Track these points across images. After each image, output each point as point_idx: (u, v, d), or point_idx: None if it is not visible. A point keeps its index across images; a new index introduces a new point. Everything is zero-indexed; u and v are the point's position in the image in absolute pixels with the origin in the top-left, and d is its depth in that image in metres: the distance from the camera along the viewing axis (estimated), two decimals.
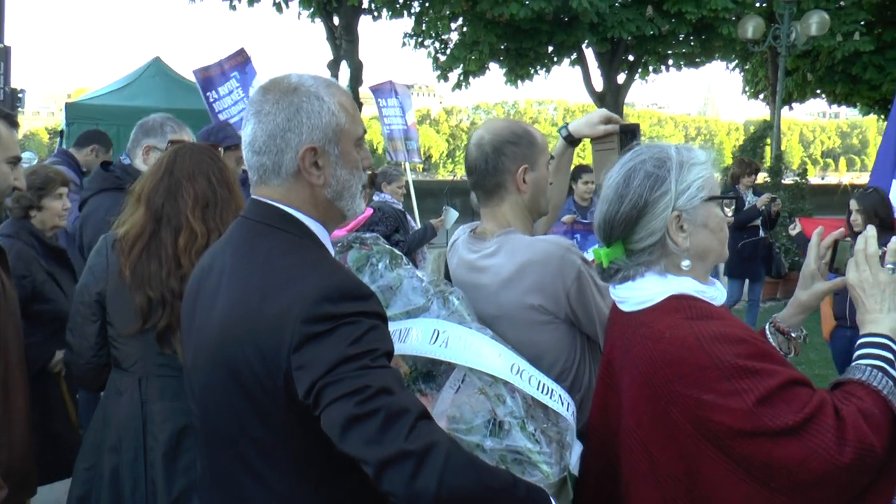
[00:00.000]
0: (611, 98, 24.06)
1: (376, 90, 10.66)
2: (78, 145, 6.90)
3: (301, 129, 1.78)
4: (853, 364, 1.82)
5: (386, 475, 1.52)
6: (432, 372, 2.20)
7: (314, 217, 1.86)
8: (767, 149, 15.29)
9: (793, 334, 2.16)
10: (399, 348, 2.07)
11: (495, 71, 24.51)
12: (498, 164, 2.48)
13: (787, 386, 1.66)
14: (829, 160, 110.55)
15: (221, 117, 8.31)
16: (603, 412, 2.03)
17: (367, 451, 1.54)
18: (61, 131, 10.45)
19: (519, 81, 24.31)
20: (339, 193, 1.86)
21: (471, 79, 23.42)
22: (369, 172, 3.08)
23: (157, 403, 2.75)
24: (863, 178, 62.45)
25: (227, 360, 1.74)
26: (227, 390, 1.76)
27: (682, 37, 22.25)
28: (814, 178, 31.81)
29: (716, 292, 1.92)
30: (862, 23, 20.76)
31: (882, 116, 27.26)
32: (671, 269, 1.88)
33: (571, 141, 2.86)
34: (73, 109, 11.17)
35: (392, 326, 1.97)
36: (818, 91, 25.17)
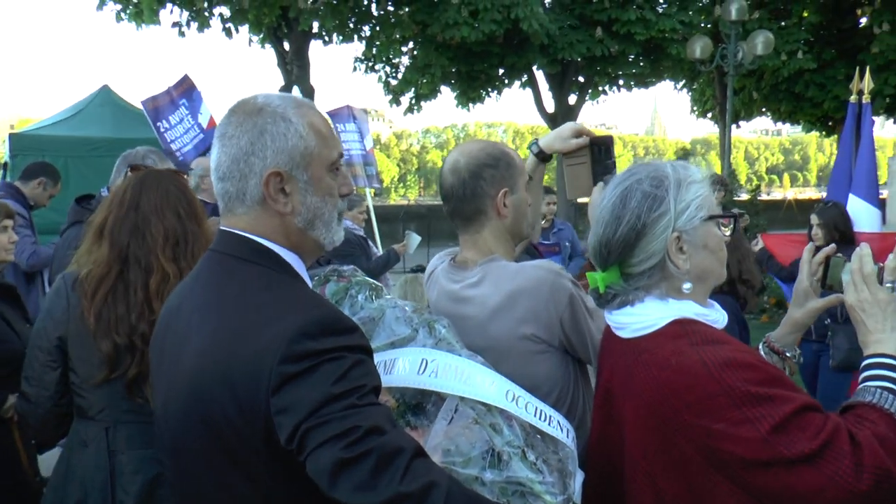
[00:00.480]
0: (562, 119, 24.23)
1: (334, 115, 10.56)
2: (24, 178, 6.67)
3: (265, 152, 1.66)
4: (861, 386, 1.77)
5: None
6: (422, 404, 2.08)
7: (287, 247, 1.74)
8: (717, 166, 15.51)
9: (787, 353, 2.12)
10: (385, 380, 1.97)
11: (446, 94, 24.62)
12: (476, 190, 2.36)
13: (800, 412, 1.60)
14: (774, 176, 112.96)
15: (174, 147, 8.19)
16: (602, 443, 1.95)
17: (360, 497, 1.43)
18: (4, 163, 10.14)
19: (470, 104, 24.44)
20: (310, 222, 1.74)
21: (422, 102, 23.46)
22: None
23: (127, 453, 2.56)
24: (806, 193, 64.02)
25: (200, 409, 1.62)
26: (202, 442, 1.63)
27: (631, 57, 22.56)
28: (761, 195, 32.42)
29: (717, 315, 1.86)
30: (803, 42, 21.28)
31: (823, 133, 27.93)
32: (671, 292, 1.81)
33: (543, 157, 2.75)
34: (16, 140, 10.75)
35: (377, 358, 1.86)
36: (763, 109, 25.69)
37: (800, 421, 1.59)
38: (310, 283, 1.82)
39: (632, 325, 1.82)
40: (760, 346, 2.15)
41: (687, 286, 1.80)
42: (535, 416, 1.98)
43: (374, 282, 2.34)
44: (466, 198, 2.38)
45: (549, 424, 1.99)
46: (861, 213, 5.74)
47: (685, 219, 1.78)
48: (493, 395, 1.97)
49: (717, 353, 1.66)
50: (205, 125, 8.33)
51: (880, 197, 5.71)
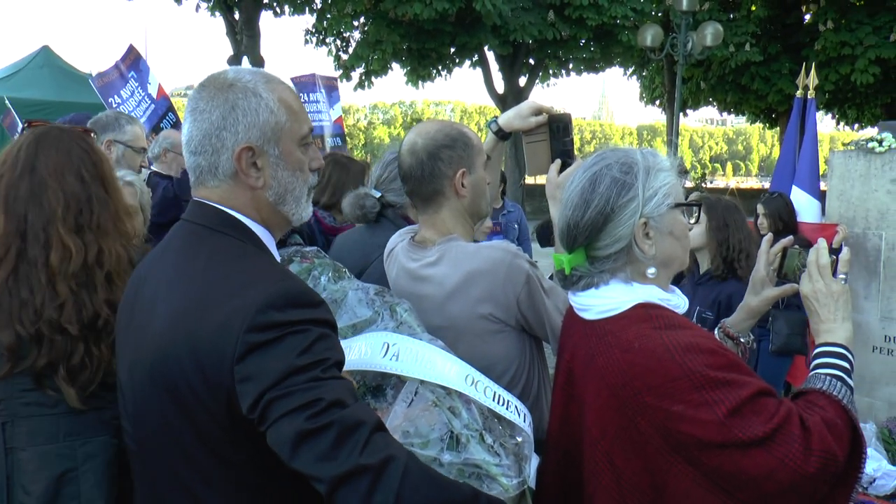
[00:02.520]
0: (512, 100, 24.31)
1: (300, 84, 10.25)
2: None
3: (237, 127, 1.67)
4: (812, 373, 1.85)
5: (340, 493, 1.44)
6: (381, 386, 2.07)
7: (257, 221, 1.75)
8: (663, 154, 15.68)
9: (742, 339, 2.19)
10: (347, 363, 1.92)
11: (396, 71, 24.51)
12: (434, 170, 2.37)
13: (756, 397, 1.65)
14: (717, 165, 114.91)
15: None
16: (564, 423, 1.97)
17: (321, 468, 1.44)
18: None
19: (420, 82, 24.35)
20: (281, 197, 1.76)
21: (373, 78, 23.29)
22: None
23: (28, 450, 2.21)
24: (748, 183, 65.21)
25: (164, 377, 1.61)
26: (165, 409, 1.63)
27: (582, 42, 22.67)
28: (705, 182, 32.94)
29: (679, 300, 1.89)
30: (751, 35, 21.60)
31: (766, 125, 28.46)
32: (636, 276, 1.84)
33: (502, 135, 2.75)
34: None
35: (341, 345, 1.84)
36: (710, 99, 26.04)
37: (755, 405, 1.63)
38: (277, 257, 1.82)
39: (596, 307, 1.84)
40: (716, 332, 2.21)
41: (651, 271, 1.83)
42: (493, 400, 1.99)
43: (337, 263, 2.31)
44: (424, 178, 2.38)
45: (507, 409, 2.00)
46: (803, 205, 5.87)
47: (653, 205, 1.80)
48: (453, 378, 1.97)
49: (680, 338, 1.69)
50: (154, 94, 8.12)
51: (821, 189, 5.82)
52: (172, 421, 1.62)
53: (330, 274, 2.23)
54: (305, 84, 9.79)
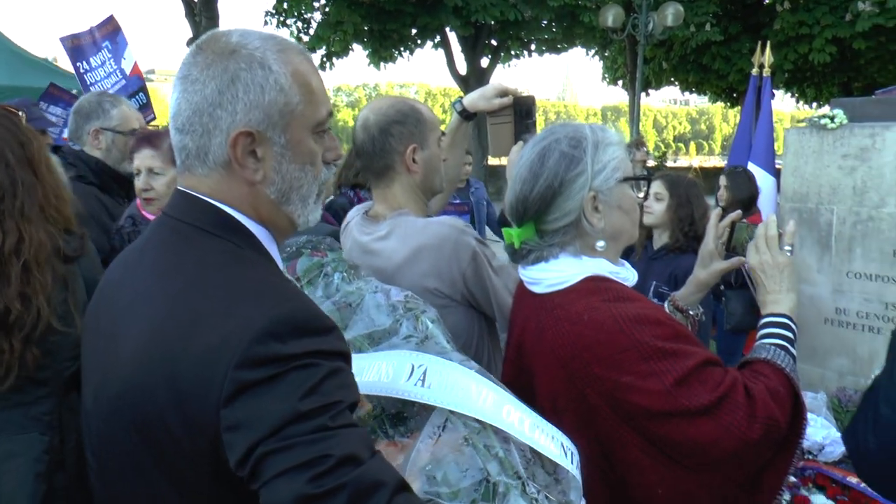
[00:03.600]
0: (474, 82, 24.30)
1: (76, 49, 9.85)
2: None
3: (235, 105, 1.36)
4: (758, 343, 1.90)
5: None
6: (403, 413, 1.75)
7: (255, 219, 1.44)
8: (627, 133, 15.80)
9: (691, 312, 2.24)
10: (364, 386, 1.67)
11: (358, 52, 24.38)
12: (385, 146, 2.39)
13: (702, 366, 1.69)
14: (681, 144, 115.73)
15: (94, 91, 7.74)
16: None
17: None
18: None
19: (382, 63, 24.24)
20: (284, 195, 1.45)
21: (335, 59, 23.15)
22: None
23: None
24: (711, 162, 65.80)
25: (135, 411, 1.32)
26: (132, 448, 1.35)
27: (544, 23, 22.66)
28: (668, 162, 33.23)
29: (628, 273, 1.91)
30: (711, 15, 21.75)
31: (728, 104, 28.73)
32: (585, 250, 1.85)
33: (466, 115, 2.77)
34: None
35: (356, 362, 1.55)
36: (672, 79, 26.22)
37: (701, 375, 1.67)
38: (280, 264, 1.53)
39: (546, 281, 1.84)
40: (666, 305, 2.24)
41: (601, 244, 1.84)
42: (535, 436, 1.68)
43: (351, 260, 2.14)
44: (376, 153, 2.41)
45: (551, 446, 1.70)
46: (758, 181, 5.95)
47: (601, 179, 1.80)
48: (490, 411, 1.65)
49: (628, 310, 1.72)
50: (128, 71, 7.84)
51: (777, 166, 5.90)
52: (140, 462, 1.35)
53: (344, 272, 1.99)
54: (83, 48, 8.92)
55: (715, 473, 1.69)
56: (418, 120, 2.42)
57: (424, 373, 1.68)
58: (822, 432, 4.10)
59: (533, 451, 1.64)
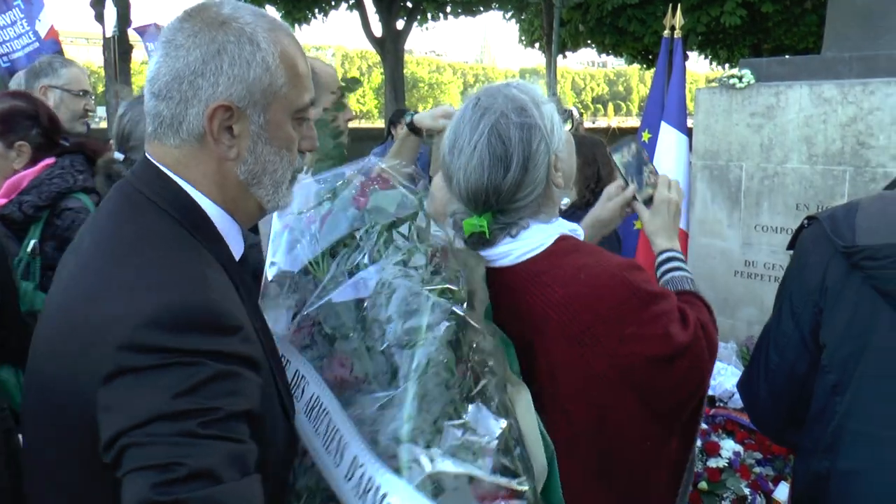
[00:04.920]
0: (390, 44, 24.15)
1: (142, 32, 9.69)
2: None
3: (218, 77, 1.32)
4: (672, 276, 1.96)
5: None
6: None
7: (218, 202, 1.40)
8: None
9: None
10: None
11: (271, 13, 23.88)
12: None
13: (672, 298, 1.71)
14: (599, 106, 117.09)
15: (1, 50, 7.37)
16: None
17: None
18: None
19: (296, 25, 23.82)
20: (256, 177, 1.41)
21: None
22: None
23: None
24: (629, 122, 66.79)
25: (42, 375, 1.31)
26: (42, 417, 1.32)
27: None
28: (587, 123, 33.65)
29: (580, 228, 1.88)
30: None
31: (644, 66, 29.15)
32: (551, 211, 1.79)
33: (413, 129, 2.88)
34: None
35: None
36: (589, 41, 26.42)
37: (681, 314, 1.69)
38: (238, 249, 1.46)
39: (517, 251, 1.73)
40: None
41: (566, 201, 1.84)
42: None
43: (420, 226, 1.72)
44: None
45: None
46: (671, 140, 6.06)
47: (556, 138, 1.74)
48: None
49: (614, 259, 1.70)
50: (43, 35, 7.50)
51: (688, 126, 6.04)
52: (48, 434, 1.31)
53: (380, 245, 1.62)
54: (148, 33, 8.52)
55: (679, 414, 1.72)
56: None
57: (377, 490, 1.36)
58: (731, 380, 4.26)
59: None
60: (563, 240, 1.74)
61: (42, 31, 7.53)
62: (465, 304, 1.50)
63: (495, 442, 1.40)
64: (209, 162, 1.37)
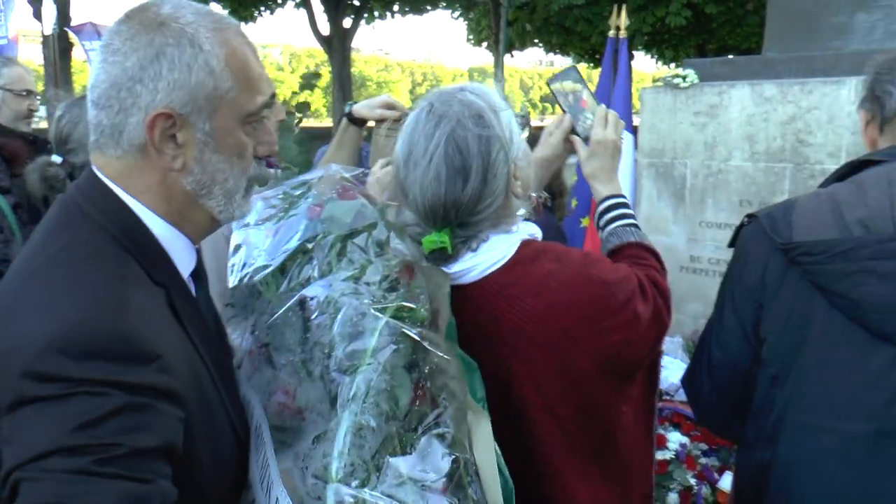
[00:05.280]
0: (338, 42, 24.08)
1: (78, 31, 9.51)
2: None
3: (157, 83, 1.23)
4: (615, 227, 1.95)
5: None
6: None
7: (160, 213, 1.31)
8: None
9: (533, 194, 2.11)
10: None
11: (217, 10, 23.67)
12: None
13: (635, 279, 1.69)
14: (547, 104, 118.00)
15: None
16: None
17: None
18: None
19: (242, 22, 23.63)
20: (205, 187, 1.31)
21: None
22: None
23: None
24: None
25: None
26: None
27: None
28: (535, 121, 33.87)
29: (536, 228, 1.79)
30: None
31: (591, 65, 29.45)
32: (510, 221, 1.70)
33: (352, 119, 2.84)
34: None
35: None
36: (536, 41, 26.62)
37: (641, 291, 1.68)
38: (188, 266, 1.37)
39: (480, 266, 1.64)
40: None
41: (522, 211, 1.73)
42: None
43: (390, 223, 1.63)
44: None
45: None
46: (621, 143, 6.16)
47: (515, 147, 1.66)
48: None
49: (578, 260, 1.66)
50: (10, 35, 7.30)
51: (634, 124, 6.14)
52: None
53: (331, 257, 1.52)
54: (84, 32, 8.38)
55: (635, 381, 1.74)
56: None
57: None
58: (677, 374, 4.33)
59: None
60: (525, 246, 1.67)
61: (8, 33, 7.36)
62: (425, 324, 1.38)
63: (444, 480, 1.27)
64: (152, 173, 1.29)
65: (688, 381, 2.05)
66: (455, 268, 1.65)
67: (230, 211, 1.37)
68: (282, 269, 1.56)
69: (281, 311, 1.46)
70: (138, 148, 1.27)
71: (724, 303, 1.91)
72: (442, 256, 1.64)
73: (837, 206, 1.70)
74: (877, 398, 1.61)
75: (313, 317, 1.40)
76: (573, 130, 2.09)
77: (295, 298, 1.45)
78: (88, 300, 1.14)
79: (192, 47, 1.25)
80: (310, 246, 1.54)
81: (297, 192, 1.68)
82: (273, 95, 2.66)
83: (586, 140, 2.06)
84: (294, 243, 1.57)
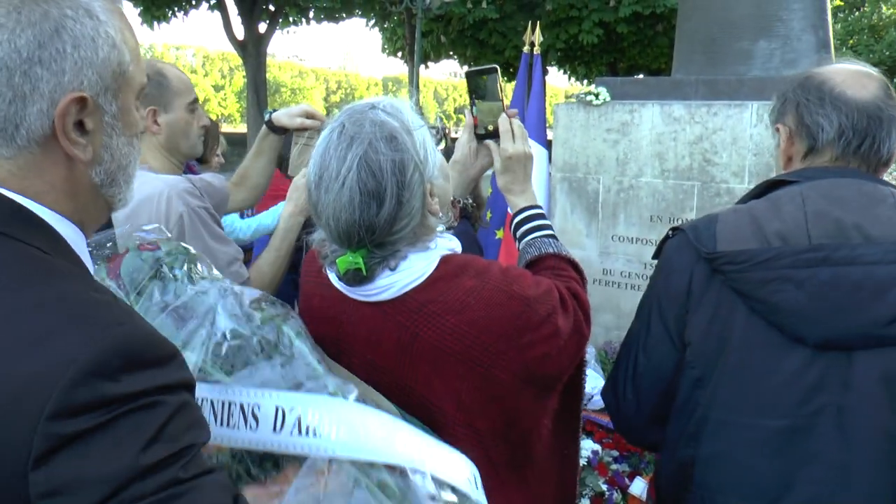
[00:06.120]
0: (252, 47, 23.79)
1: None
2: None
3: (63, 63, 1.08)
4: (532, 238, 2.00)
5: None
6: (272, 456, 1.44)
7: (65, 213, 1.15)
8: None
9: (457, 198, 2.18)
10: (221, 436, 1.38)
11: (129, 10, 23.09)
12: None
13: (556, 293, 1.71)
14: (461, 116, 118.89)
15: None
16: None
17: None
18: None
19: (155, 23, 23.16)
20: (111, 176, 1.20)
21: None
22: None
23: None
24: None
25: None
26: None
27: None
28: (453, 133, 34.05)
29: (455, 242, 1.78)
30: None
31: (505, 78, 29.80)
32: (427, 238, 1.68)
33: (271, 127, 2.87)
34: None
35: (206, 393, 1.30)
36: (451, 52, 26.84)
37: (562, 304, 1.72)
38: (91, 267, 1.23)
39: (398, 283, 1.64)
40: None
41: (441, 228, 1.72)
42: (437, 464, 1.45)
43: (189, 247, 1.69)
44: None
45: (454, 470, 1.49)
46: (532, 152, 6.28)
47: (430, 167, 1.64)
48: (384, 448, 1.39)
49: (499, 276, 1.67)
50: None
51: (548, 139, 6.27)
52: None
53: (185, 265, 1.58)
54: None
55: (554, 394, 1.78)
56: (160, 83, 2.55)
57: (298, 419, 1.37)
58: (591, 383, 4.45)
59: (437, 479, 1.42)
60: (445, 262, 1.67)
61: None
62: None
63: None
64: (55, 168, 1.13)
65: (608, 391, 2.12)
66: (373, 286, 1.65)
67: (127, 197, 1.26)
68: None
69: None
70: (38, 142, 1.10)
71: (651, 311, 1.99)
72: (357, 277, 1.63)
73: (756, 220, 1.82)
74: (791, 397, 1.73)
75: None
76: (477, 127, 2.10)
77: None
78: (94, 315, 1.01)
79: (90, 18, 1.11)
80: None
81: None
82: (195, 100, 2.70)
83: (487, 136, 2.09)
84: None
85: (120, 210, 1.34)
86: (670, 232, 2.02)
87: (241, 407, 1.40)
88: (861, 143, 1.86)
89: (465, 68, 2.14)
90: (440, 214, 1.69)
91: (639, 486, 3.81)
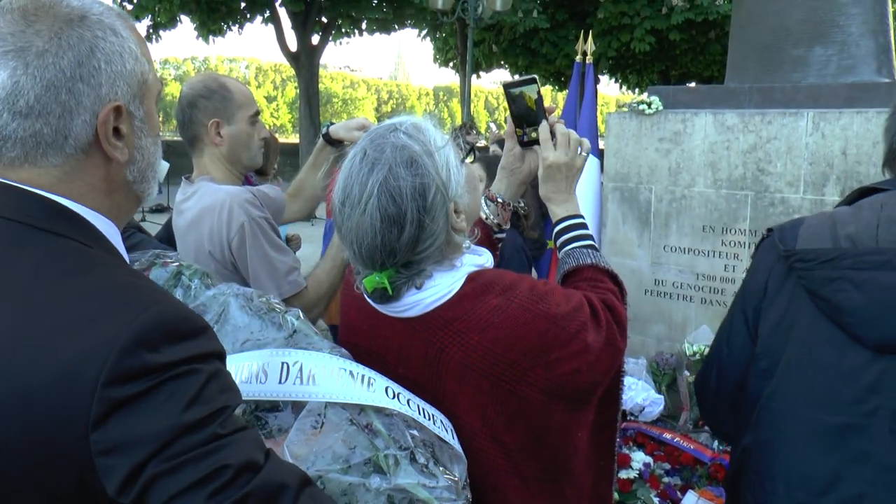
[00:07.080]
0: (305, 58, 24.11)
1: None
2: None
3: (99, 78, 1.23)
4: (571, 248, 1.99)
5: None
6: (278, 405, 1.64)
7: (102, 211, 1.29)
8: (458, 113, 16.15)
9: (499, 199, 2.18)
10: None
11: (186, 24, 23.61)
12: (192, 118, 2.65)
13: (587, 308, 1.72)
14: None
15: None
16: None
17: None
18: None
19: (211, 36, 23.58)
20: (142, 173, 1.35)
21: (161, 31, 22.28)
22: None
23: None
24: None
25: None
26: None
27: (375, 2, 22.71)
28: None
29: (485, 257, 1.80)
30: (539, 2, 22.49)
31: (556, 87, 29.80)
32: (454, 256, 1.71)
33: (328, 140, 2.93)
34: None
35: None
36: (502, 62, 26.89)
37: (595, 320, 1.73)
38: (128, 260, 1.39)
39: (424, 301, 1.67)
40: (482, 200, 2.17)
41: (467, 244, 1.73)
42: (419, 414, 1.62)
43: (201, 268, 1.90)
44: (185, 124, 2.67)
45: (433, 424, 1.64)
46: (576, 161, 6.26)
47: (454, 186, 1.65)
48: (375, 395, 1.58)
49: (526, 293, 1.67)
50: None
51: (600, 148, 6.25)
52: None
53: (200, 278, 1.79)
54: None
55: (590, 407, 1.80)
56: (224, 97, 2.64)
57: (300, 369, 1.57)
58: (642, 394, 4.43)
59: (417, 423, 1.58)
60: (471, 280, 1.68)
61: None
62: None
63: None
64: (95, 171, 1.27)
65: (699, 380, 2.20)
66: (400, 303, 1.68)
67: (152, 192, 1.42)
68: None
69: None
70: (83, 149, 1.24)
71: (735, 306, 2.06)
72: (384, 296, 1.67)
73: (834, 224, 1.86)
74: (848, 395, 1.74)
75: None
76: (522, 136, 2.09)
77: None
78: (134, 296, 1.15)
79: (115, 36, 1.26)
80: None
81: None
82: (257, 112, 2.77)
83: (530, 143, 2.07)
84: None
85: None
86: (766, 232, 2.06)
87: (253, 365, 1.58)
88: None
89: (501, 82, 2.14)
90: (466, 231, 1.71)
91: (691, 500, 3.77)
